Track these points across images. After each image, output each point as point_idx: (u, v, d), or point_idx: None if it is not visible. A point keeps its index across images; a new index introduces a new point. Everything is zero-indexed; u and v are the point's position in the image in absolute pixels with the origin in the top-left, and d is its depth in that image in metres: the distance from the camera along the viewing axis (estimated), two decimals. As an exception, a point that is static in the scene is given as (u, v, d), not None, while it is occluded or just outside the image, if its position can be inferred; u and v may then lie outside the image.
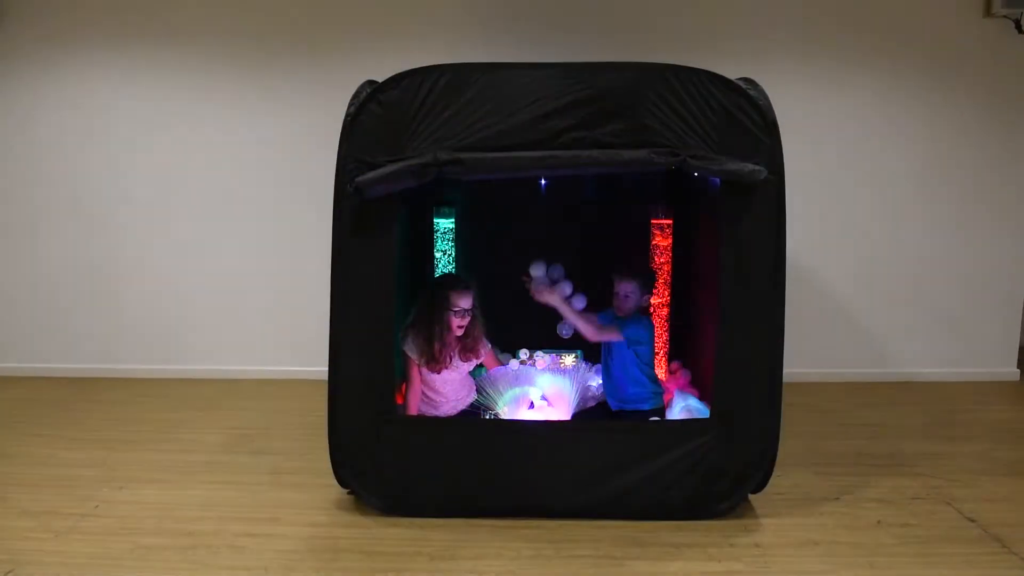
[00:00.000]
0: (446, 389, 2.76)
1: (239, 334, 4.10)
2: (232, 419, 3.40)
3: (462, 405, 2.80)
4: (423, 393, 2.73)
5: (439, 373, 2.70)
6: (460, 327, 2.70)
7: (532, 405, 2.83)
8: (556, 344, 3.37)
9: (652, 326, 2.82)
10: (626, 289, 2.78)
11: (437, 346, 2.65)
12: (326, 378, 2.38)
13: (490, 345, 2.86)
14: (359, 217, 2.27)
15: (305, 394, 3.78)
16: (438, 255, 3.53)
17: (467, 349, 2.76)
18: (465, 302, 2.69)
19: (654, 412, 2.73)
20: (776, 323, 2.30)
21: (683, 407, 2.70)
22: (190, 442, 3.10)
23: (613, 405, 2.83)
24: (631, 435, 2.39)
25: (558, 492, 2.37)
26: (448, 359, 2.70)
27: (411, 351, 2.67)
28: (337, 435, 2.39)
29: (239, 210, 4.02)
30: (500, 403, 2.78)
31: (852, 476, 2.74)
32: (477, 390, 2.87)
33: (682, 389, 3.05)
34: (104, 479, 2.71)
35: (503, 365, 3.14)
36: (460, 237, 3.55)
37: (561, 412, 2.78)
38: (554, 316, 3.44)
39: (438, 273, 3.52)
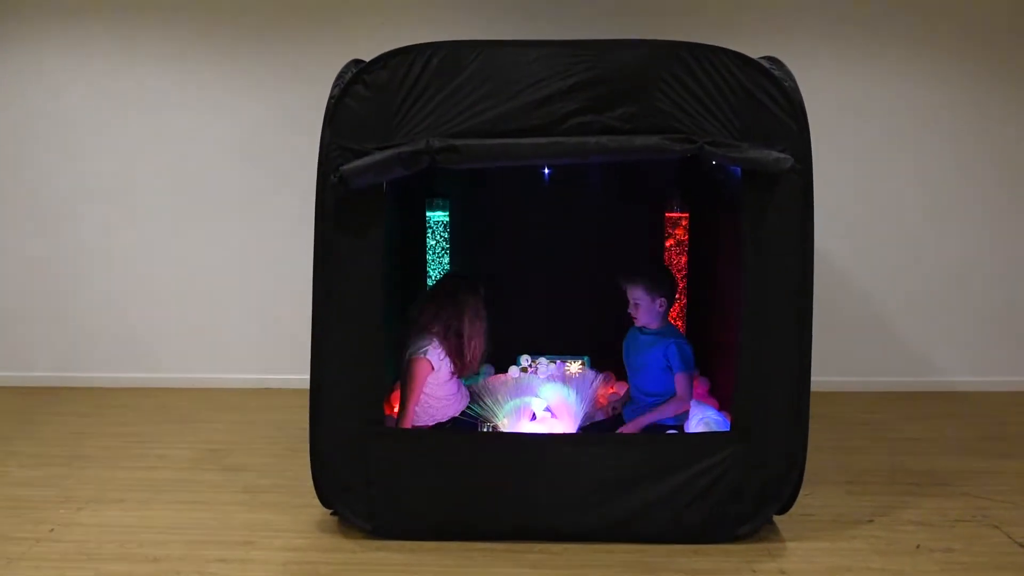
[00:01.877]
0: (443, 393, 2.79)
1: (211, 339, 4.12)
2: (203, 433, 3.42)
3: (453, 411, 2.84)
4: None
5: (465, 375, 2.81)
6: None
7: (534, 417, 2.84)
8: (560, 350, 3.38)
9: (678, 341, 2.75)
10: (634, 295, 2.78)
11: (469, 354, 2.75)
12: (307, 387, 2.39)
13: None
14: (344, 210, 2.28)
15: (284, 405, 3.79)
16: (431, 251, 3.54)
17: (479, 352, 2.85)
18: (476, 306, 2.81)
19: (673, 427, 2.75)
20: (803, 327, 2.31)
21: (700, 419, 2.71)
22: (156, 458, 3.11)
23: (627, 414, 2.85)
24: (643, 450, 2.40)
25: (563, 513, 2.38)
26: (475, 360, 2.81)
27: (436, 358, 2.70)
28: (319, 449, 2.39)
29: (212, 203, 4.04)
30: (500, 415, 2.79)
31: (888, 495, 2.75)
32: (474, 401, 2.89)
33: (699, 400, 3.05)
34: (61, 499, 2.71)
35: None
36: (455, 232, 3.56)
37: (566, 425, 2.79)
38: (559, 320, 3.50)
39: (432, 271, 3.54)
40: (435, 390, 2.76)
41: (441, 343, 2.72)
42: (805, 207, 2.27)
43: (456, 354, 2.74)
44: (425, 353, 2.69)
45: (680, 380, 2.74)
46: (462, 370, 2.78)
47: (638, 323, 2.82)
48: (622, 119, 2.20)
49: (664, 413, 2.73)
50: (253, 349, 4.13)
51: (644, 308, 2.78)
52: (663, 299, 2.79)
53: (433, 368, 2.70)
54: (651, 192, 3.49)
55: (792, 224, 2.27)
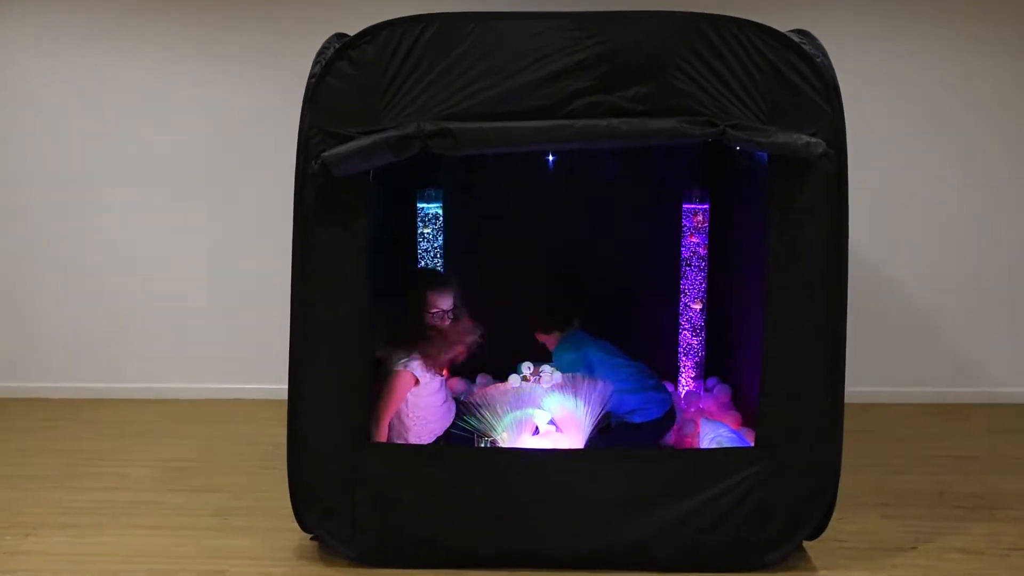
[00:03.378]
0: (427, 407, 2.81)
1: (177, 344, 4.15)
2: (167, 449, 3.43)
3: (438, 427, 2.85)
4: (397, 412, 2.78)
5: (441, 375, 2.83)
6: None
7: (537, 431, 2.86)
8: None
9: (575, 339, 3.07)
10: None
11: (433, 350, 2.76)
12: (285, 398, 2.41)
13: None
14: (326, 201, 2.30)
15: (259, 417, 3.82)
16: (423, 247, 3.56)
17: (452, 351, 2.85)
18: (445, 303, 2.78)
19: (665, 419, 2.86)
20: (836, 331, 2.33)
21: (712, 439, 2.74)
22: (114, 478, 3.13)
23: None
24: (659, 467, 2.42)
25: (570, 537, 2.40)
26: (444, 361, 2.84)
27: (419, 371, 2.73)
28: (299, 468, 2.41)
29: (177, 195, 4.07)
30: (499, 428, 2.81)
31: (932, 520, 2.77)
32: (470, 413, 2.90)
33: (710, 416, 3.09)
34: (6, 525, 2.73)
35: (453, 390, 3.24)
36: (449, 225, 3.58)
37: (573, 439, 2.81)
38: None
39: (422, 267, 3.55)
40: (417, 403, 2.77)
41: (421, 357, 2.73)
42: (838, 196, 2.29)
43: (434, 357, 2.76)
44: (406, 366, 2.71)
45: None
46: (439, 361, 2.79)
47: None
48: (635, 100, 2.22)
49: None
50: (224, 356, 4.15)
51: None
52: (540, 336, 3.24)
53: (418, 382, 2.72)
54: (667, 182, 3.51)
55: (824, 215, 2.29)
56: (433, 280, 2.86)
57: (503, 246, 3.60)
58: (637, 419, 2.77)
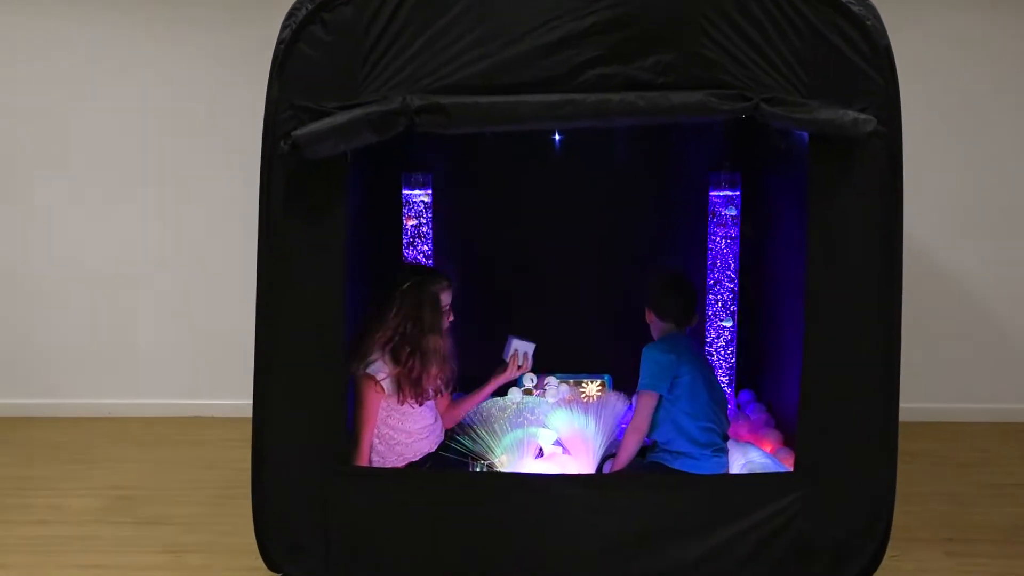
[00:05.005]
0: (415, 426, 2.82)
1: (122, 355, 4.16)
2: (110, 475, 3.45)
3: (427, 447, 2.87)
4: (379, 432, 2.79)
5: (421, 404, 2.78)
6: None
7: (541, 453, 2.88)
8: (574, 367, 3.42)
9: (644, 354, 2.85)
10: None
11: (433, 368, 2.74)
12: (249, 415, 2.42)
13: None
14: (297, 188, 2.31)
15: (217, 438, 3.83)
16: (409, 240, 3.57)
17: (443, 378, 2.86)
18: (447, 299, 2.83)
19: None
20: (889, 338, 2.34)
21: (743, 465, 2.75)
22: (49, 509, 3.14)
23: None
24: (681, 495, 2.43)
25: (579, 573, 2.42)
26: (438, 383, 2.81)
27: (381, 375, 2.72)
28: (265, 496, 2.42)
29: (122, 181, 4.07)
30: (497, 450, 2.83)
31: (1003, 559, 2.77)
32: (464, 432, 2.92)
33: (741, 438, 3.10)
34: (-75, 563, 2.74)
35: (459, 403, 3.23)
36: (439, 215, 3.60)
37: (582, 463, 2.83)
38: (572, 328, 3.53)
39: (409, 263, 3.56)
40: (402, 421, 2.79)
41: (386, 356, 2.73)
42: (892, 183, 2.30)
43: (406, 373, 2.72)
44: (368, 368, 2.71)
45: (637, 401, 2.83)
46: (417, 390, 2.74)
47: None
48: (655, 70, 2.23)
49: (622, 454, 2.78)
50: (178, 367, 4.16)
51: (647, 318, 2.97)
52: (648, 311, 2.94)
53: (385, 392, 2.73)
54: (692, 165, 3.52)
55: (874, 204, 2.30)
56: (437, 276, 2.85)
57: (501, 236, 3.61)
58: (677, 464, 2.77)
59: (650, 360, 2.80)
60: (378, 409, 2.74)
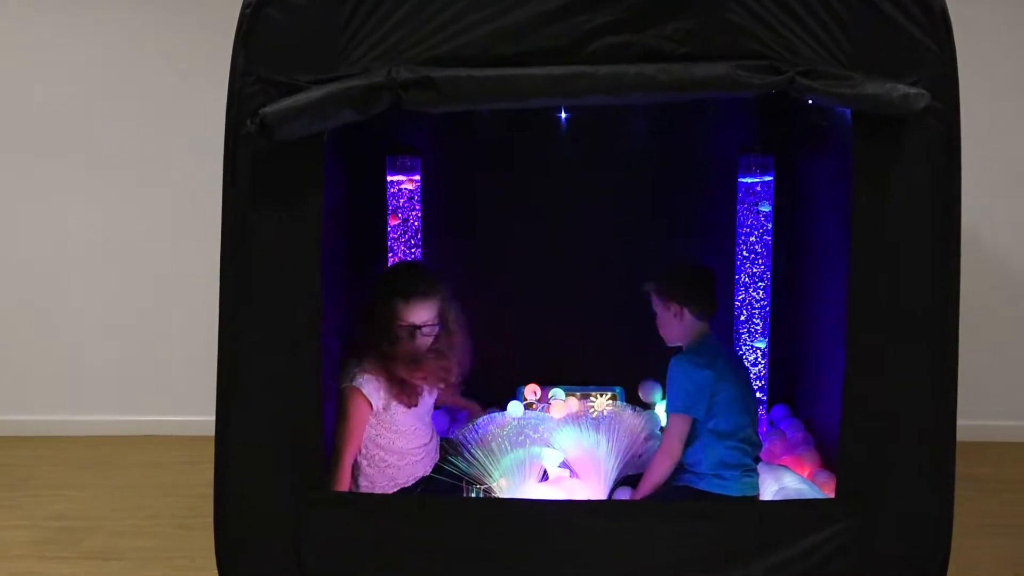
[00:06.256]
0: (409, 445, 2.81)
1: (66, 366, 4.14)
2: (50, 502, 3.42)
3: (422, 469, 2.86)
4: (367, 453, 2.79)
5: (411, 406, 2.79)
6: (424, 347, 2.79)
7: (546, 476, 2.87)
8: (582, 378, 3.41)
9: (676, 369, 2.79)
10: (653, 303, 2.88)
11: (420, 371, 2.76)
12: (211, 434, 2.40)
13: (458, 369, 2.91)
14: (266, 174, 2.29)
15: (175, 460, 3.80)
16: (395, 232, 3.56)
17: (450, 378, 2.84)
18: (421, 315, 2.74)
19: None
20: (945, 345, 2.32)
21: (777, 491, 2.73)
22: (-18, 541, 3.13)
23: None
24: (706, 525, 2.41)
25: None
26: (438, 378, 2.82)
27: (368, 387, 2.72)
28: (229, 526, 2.40)
29: (68, 164, 4.05)
30: (495, 472, 2.82)
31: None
32: (458, 453, 2.91)
33: (773, 459, 3.09)
34: None
35: (473, 409, 3.22)
36: (429, 203, 3.58)
37: (592, 487, 2.82)
38: (580, 334, 3.51)
39: (393, 260, 3.55)
40: (394, 440, 2.79)
41: (376, 370, 2.73)
42: (948, 167, 2.28)
43: (398, 383, 2.73)
44: (354, 381, 2.71)
45: (667, 421, 2.79)
46: (404, 395, 2.75)
47: (665, 341, 2.90)
48: (675, 39, 2.22)
49: (649, 478, 2.76)
50: (129, 379, 4.14)
51: (660, 319, 2.88)
52: (678, 305, 2.83)
53: (372, 407, 2.73)
54: (718, 147, 3.50)
55: (927, 191, 2.28)
56: (407, 281, 2.80)
57: (499, 228, 3.60)
58: (704, 486, 2.76)
59: (684, 378, 2.75)
60: (363, 426, 2.73)
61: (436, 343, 2.82)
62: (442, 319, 2.82)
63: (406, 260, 3.52)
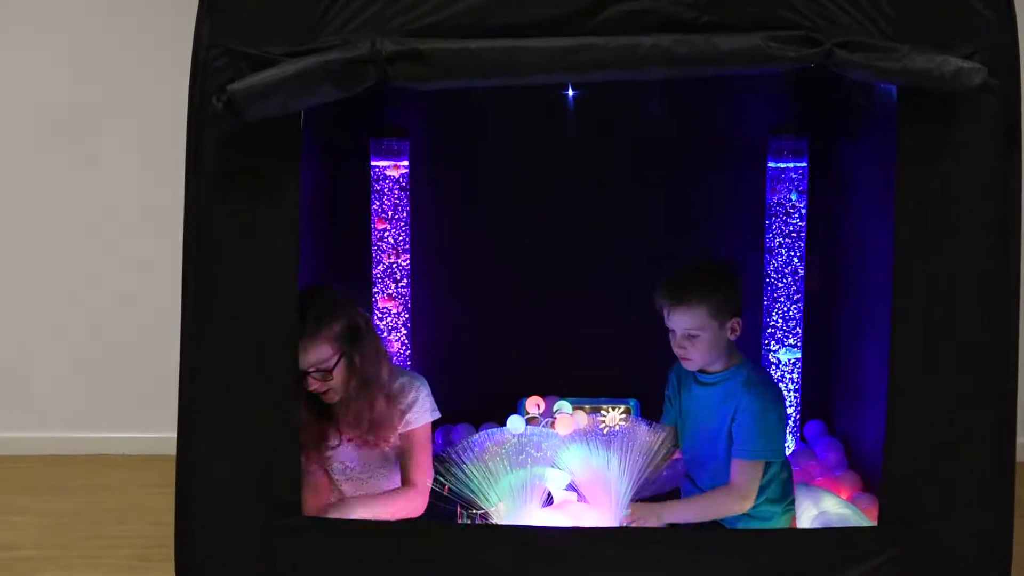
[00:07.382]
0: (352, 492, 2.83)
1: (11, 378, 4.15)
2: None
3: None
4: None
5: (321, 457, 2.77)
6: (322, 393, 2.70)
7: (551, 499, 2.87)
8: (591, 390, 3.42)
9: (768, 413, 2.71)
10: (689, 323, 2.69)
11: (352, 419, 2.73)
12: (172, 453, 2.40)
13: (425, 412, 2.87)
14: (234, 158, 2.28)
15: (132, 482, 3.81)
16: (378, 224, 3.56)
17: (365, 426, 2.74)
18: (307, 357, 2.58)
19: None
20: (1003, 351, 2.32)
21: (816, 516, 2.74)
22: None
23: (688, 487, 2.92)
24: (731, 556, 2.42)
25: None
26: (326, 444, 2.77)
27: None
28: (192, 557, 2.40)
29: (8, 152, 4.05)
30: (492, 495, 2.81)
31: None
32: (451, 473, 2.90)
33: (808, 481, 3.09)
34: None
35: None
36: (417, 191, 3.59)
37: (601, 512, 2.82)
38: (588, 342, 3.51)
39: (383, 256, 3.55)
40: (341, 481, 2.83)
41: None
42: (1006, 149, 2.27)
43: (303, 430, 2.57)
44: None
45: (741, 468, 2.71)
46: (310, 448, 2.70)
47: (692, 365, 2.81)
48: (696, 6, 2.20)
49: (705, 510, 2.75)
50: (82, 393, 4.15)
51: (707, 342, 2.72)
52: (736, 319, 2.75)
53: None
54: (745, 129, 3.51)
55: (984, 177, 2.27)
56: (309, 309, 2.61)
57: (498, 220, 3.61)
58: (742, 526, 2.73)
59: (774, 417, 2.69)
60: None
61: (348, 385, 2.72)
62: (345, 357, 2.69)
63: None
